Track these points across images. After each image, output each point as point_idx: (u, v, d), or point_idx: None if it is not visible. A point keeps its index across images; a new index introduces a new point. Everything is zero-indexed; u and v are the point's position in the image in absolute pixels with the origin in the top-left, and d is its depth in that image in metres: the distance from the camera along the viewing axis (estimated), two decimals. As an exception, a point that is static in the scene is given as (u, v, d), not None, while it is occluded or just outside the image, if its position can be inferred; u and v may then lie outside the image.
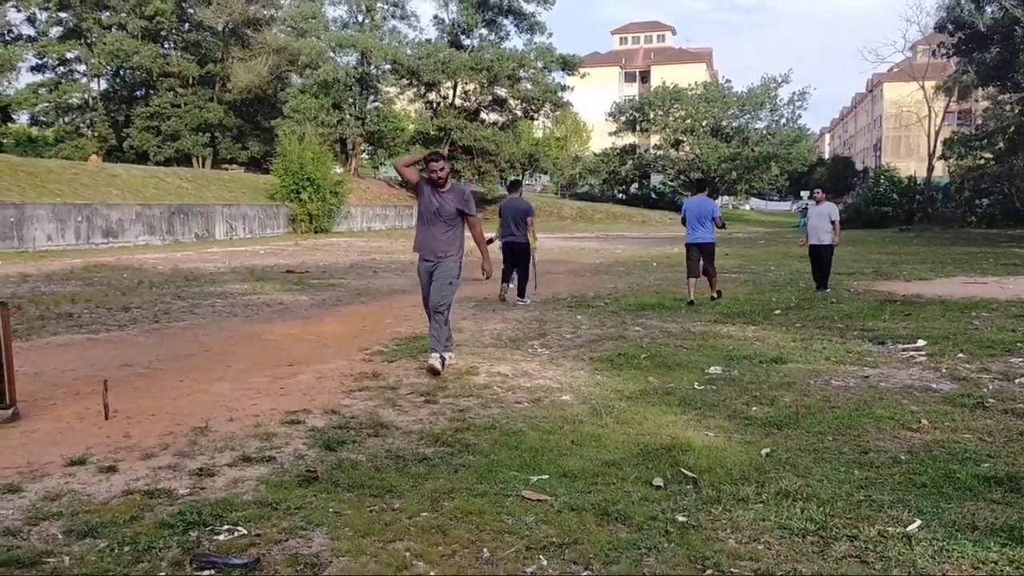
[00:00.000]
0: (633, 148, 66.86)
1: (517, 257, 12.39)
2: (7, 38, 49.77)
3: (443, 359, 7.05)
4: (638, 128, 66.03)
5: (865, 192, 55.68)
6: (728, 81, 67.23)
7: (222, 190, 34.99)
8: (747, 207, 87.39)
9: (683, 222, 12.38)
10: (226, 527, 3.61)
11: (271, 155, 46.53)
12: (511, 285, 12.42)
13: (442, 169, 7.08)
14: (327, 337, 9.14)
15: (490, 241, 13.43)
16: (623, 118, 65.05)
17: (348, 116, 48.31)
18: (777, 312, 10.82)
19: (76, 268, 17.42)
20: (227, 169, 48.79)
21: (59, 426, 5.34)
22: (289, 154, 35.51)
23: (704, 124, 61.38)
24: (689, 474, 4.30)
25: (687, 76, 68.53)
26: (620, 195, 68.06)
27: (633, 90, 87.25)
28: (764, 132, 61.96)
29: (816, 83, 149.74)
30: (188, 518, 3.66)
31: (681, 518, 3.73)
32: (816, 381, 6.67)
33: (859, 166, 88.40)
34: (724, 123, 62.49)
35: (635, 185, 68.59)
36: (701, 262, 12.13)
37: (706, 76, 77.99)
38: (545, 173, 68.18)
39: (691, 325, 9.77)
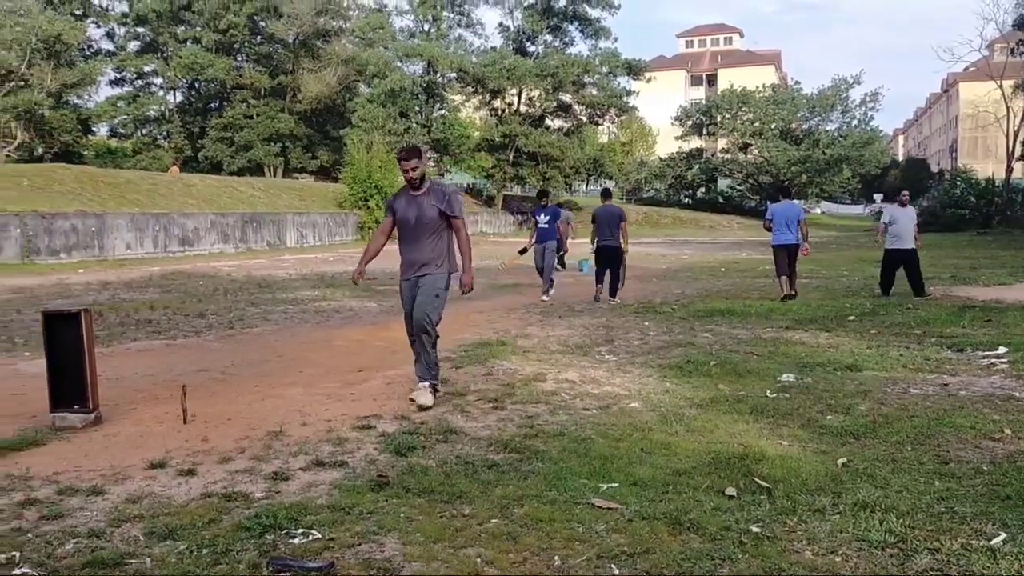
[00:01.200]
0: (700, 152, 66.16)
1: (611, 260, 13.10)
2: (87, 53, 51.64)
3: (434, 389, 6.12)
4: (705, 132, 65.34)
5: (941, 195, 54.06)
6: (797, 83, 66.17)
7: (293, 199, 35.73)
8: (818, 211, 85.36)
9: (767, 227, 13.45)
10: (301, 531, 3.67)
11: (340, 164, 47.34)
12: (603, 286, 13.26)
13: (414, 168, 6.00)
14: (395, 343, 9.20)
15: (523, 251, 14.26)
16: (689, 122, 64.45)
17: (414, 124, 48.88)
18: (851, 318, 10.56)
19: (154, 275, 17.97)
20: (297, 178, 49.86)
21: (139, 429, 5.51)
22: (357, 162, 36.10)
23: (773, 127, 60.38)
24: (763, 484, 4.22)
25: (755, 78, 67.59)
26: (686, 200, 67.41)
27: (699, 93, 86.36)
28: (835, 134, 60.66)
29: (889, 83, 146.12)
30: (264, 521, 3.73)
31: (755, 529, 3.66)
32: (893, 389, 6.49)
33: (934, 168, 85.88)
34: (794, 125, 61.39)
35: (702, 189, 67.87)
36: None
37: (775, 78, 76.81)
38: (610, 178, 67.84)
39: (762, 332, 9.61)
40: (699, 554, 3.41)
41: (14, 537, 3.58)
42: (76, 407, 5.62)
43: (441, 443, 5.09)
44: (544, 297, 13.37)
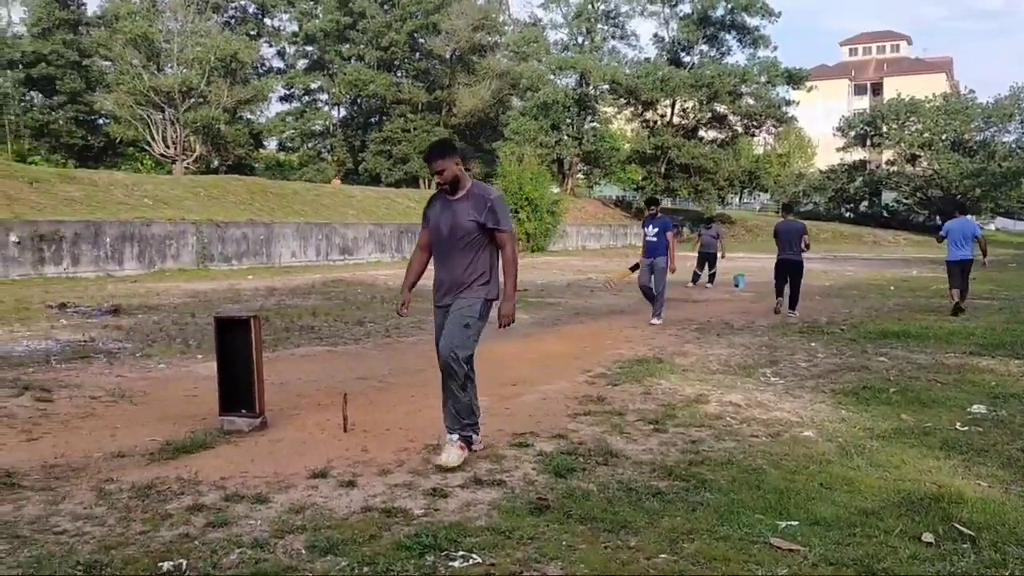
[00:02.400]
0: (863, 164, 63.01)
1: (792, 274, 13.16)
2: (260, 71, 54.71)
3: (465, 443, 4.99)
4: (869, 143, 62.17)
5: None
6: (971, 92, 62.01)
7: (446, 210, 36.44)
8: (992, 227, 79.77)
9: (939, 239, 13.87)
10: (461, 553, 3.54)
11: (491, 176, 48.02)
12: (784, 299, 13.25)
13: (440, 171, 4.92)
14: (548, 356, 9.10)
15: (634, 267, 12.65)
16: (852, 133, 61.48)
17: (566, 136, 49.01)
18: (1046, 345, 9.61)
19: (316, 283, 18.64)
20: (451, 190, 50.86)
21: (302, 436, 5.58)
22: (509, 175, 36.43)
23: (944, 138, 56.74)
24: (965, 531, 3.77)
25: (924, 87, 63.78)
26: (847, 214, 64.35)
27: (864, 103, 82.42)
28: (1013, 146, 56.36)
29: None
30: (424, 541, 3.63)
31: (962, 585, 3.25)
32: (1108, 428, 5.77)
33: None
34: (967, 136, 57.49)
35: (864, 203, 64.60)
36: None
37: (945, 87, 72.27)
38: (765, 191, 65.77)
39: (943, 357, 8.86)
40: (898, 611, 3.05)
41: (181, 543, 3.62)
42: (243, 411, 5.77)
43: (601, 466, 4.87)
44: (654, 320, 11.89)
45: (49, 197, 20.74)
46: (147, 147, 41.03)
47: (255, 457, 5.03)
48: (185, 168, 39.79)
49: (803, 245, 13.14)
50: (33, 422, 5.83)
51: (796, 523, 3.95)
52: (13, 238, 17.69)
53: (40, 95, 49.77)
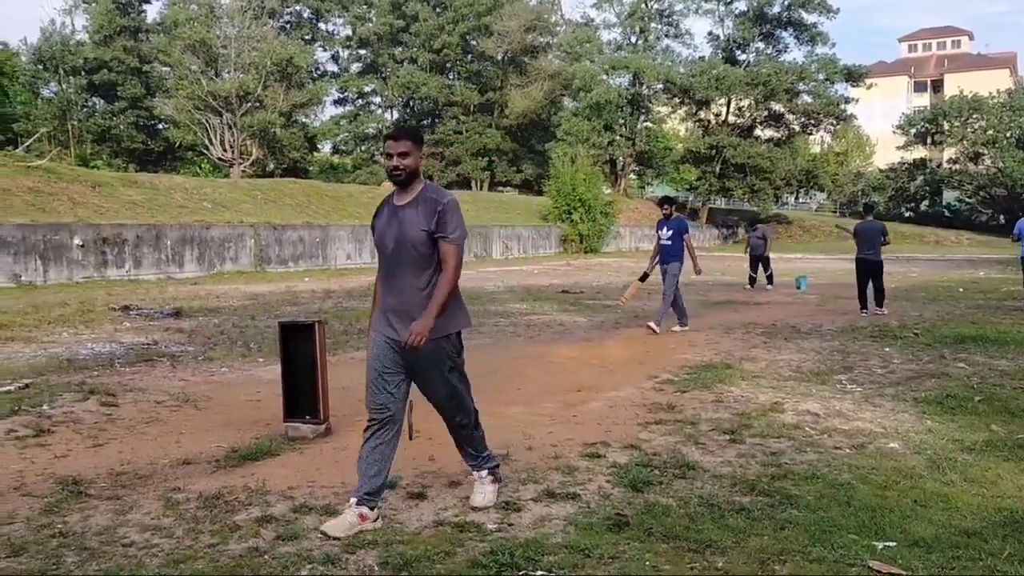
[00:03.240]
0: (924, 162, 61.43)
1: (872, 273, 13.37)
2: (315, 75, 55.31)
3: (493, 476, 4.35)
4: (930, 141, 60.54)
5: None
6: (1038, 87, 59.96)
7: (499, 212, 36.40)
8: (1061, 227, 77.20)
9: (1013, 239, 14.21)
10: (539, 573, 3.38)
11: (543, 177, 47.88)
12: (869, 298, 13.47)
13: (402, 154, 3.94)
14: (611, 361, 8.89)
15: (643, 277, 11.56)
16: (912, 130, 59.93)
17: (618, 137, 48.65)
18: None
19: (372, 285, 18.67)
20: (502, 191, 50.89)
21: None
22: (562, 176, 36.24)
23: (1008, 135, 54.94)
24: (1084, 558, 3.49)
25: (987, 84, 61.89)
26: (908, 213, 62.78)
27: (923, 100, 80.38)
28: (1084, 143, 54.38)
29: None
30: (500, 559, 3.47)
31: (1089, 619, 2.98)
32: None
33: None
34: (1033, 134, 55.61)
35: (925, 202, 62.94)
36: None
37: (1009, 83, 70.00)
38: (822, 190, 64.47)
39: (1028, 364, 8.45)
40: (1021, 647, 2.80)
41: (252, 558, 3.51)
42: (308, 418, 5.68)
43: (679, 479, 4.66)
44: (676, 328, 11.20)
45: (112, 201, 21.11)
46: (205, 151, 41.72)
47: (321, 465, 4.93)
48: (242, 172, 40.35)
49: (883, 243, 13.43)
50: (99, 427, 5.82)
51: (894, 544, 3.70)
52: (77, 241, 18.02)
53: (102, 101, 51.02)
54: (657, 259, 11.54)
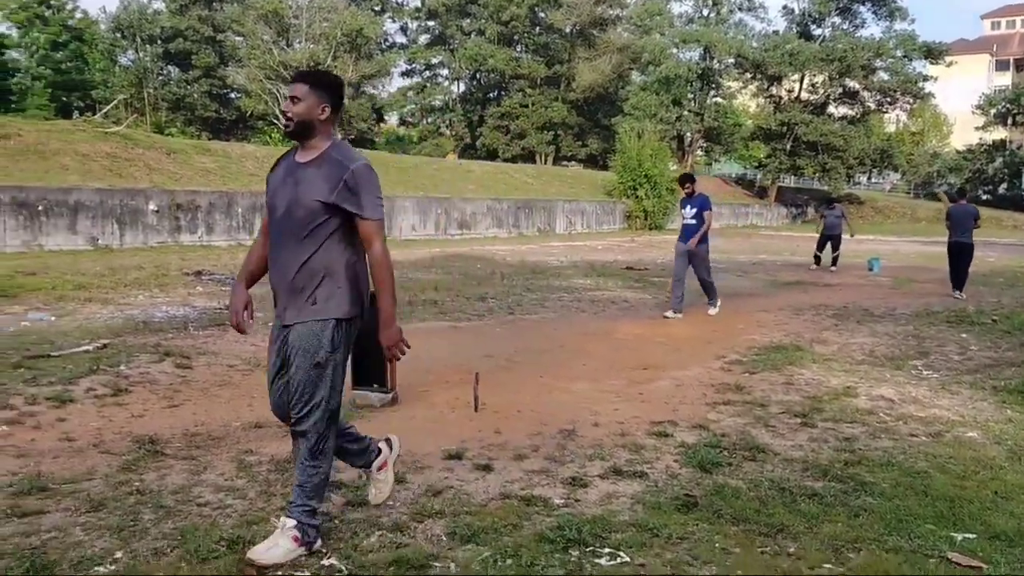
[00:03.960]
0: (1004, 144, 59.07)
1: (964, 256, 13.43)
2: (383, 46, 55.49)
3: (301, 535, 3.26)
4: (1011, 122, 58.15)
5: None
6: None
7: (563, 186, 36.20)
8: None
9: None
10: (607, 550, 3.35)
11: (609, 152, 47.37)
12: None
13: (298, 99, 3.31)
14: (678, 340, 8.78)
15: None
16: (993, 110, 57.56)
17: (687, 112, 47.83)
18: None
19: (436, 256, 18.76)
20: (567, 166, 50.57)
21: (433, 414, 5.49)
22: (628, 151, 35.78)
23: (1098, 116, 52.57)
24: None
25: (1078, 61, 59.14)
26: (985, 196, 60.55)
27: (1006, 79, 77.15)
28: None
29: None
30: (567, 534, 3.45)
31: None
32: None
33: None
34: (1124, 115, 53.07)
35: (1004, 185, 60.62)
36: None
37: (1103, 60, 66.87)
38: (896, 171, 62.55)
39: (1117, 355, 8.09)
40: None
41: (323, 522, 3.54)
42: (376, 386, 5.74)
43: (748, 461, 4.59)
44: (667, 314, 10.45)
45: (186, 168, 21.55)
46: (275, 121, 42.29)
47: (388, 434, 4.96)
48: (310, 142, 40.85)
49: (975, 227, 13.79)
50: (174, 389, 5.96)
51: (973, 536, 3.59)
52: (152, 207, 18.45)
53: (177, 69, 52.03)
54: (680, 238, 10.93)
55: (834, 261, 18.68)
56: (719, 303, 10.87)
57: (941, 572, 3.25)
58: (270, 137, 45.13)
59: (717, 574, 3.20)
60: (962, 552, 3.42)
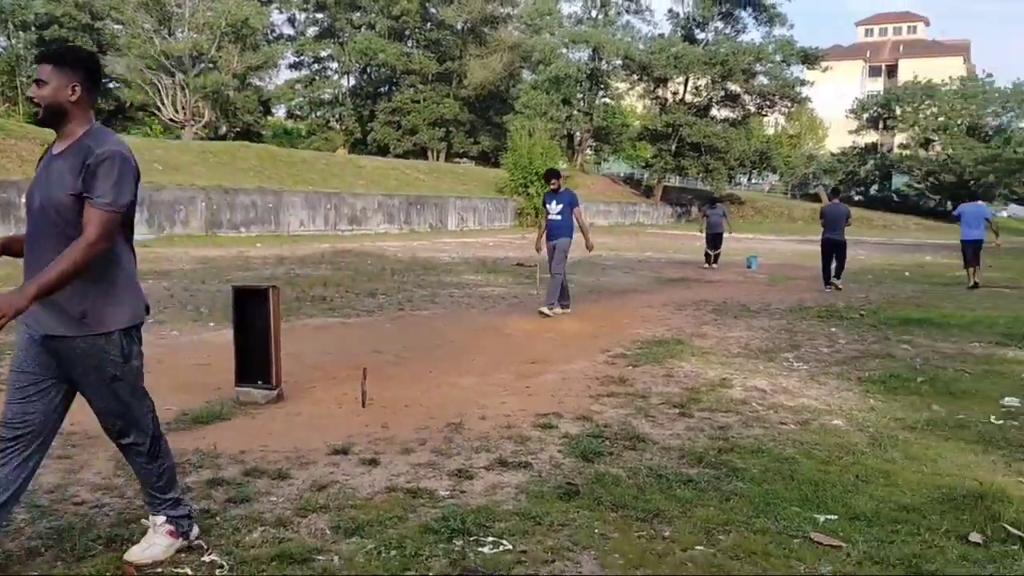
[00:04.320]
0: (875, 147, 62.45)
1: (836, 252, 14.76)
2: (270, 37, 54.15)
3: (175, 528, 3.22)
4: (882, 126, 61.56)
5: None
6: (989, 76, 61.11)
7: (455, 183, 36.24)
8: (1004, 214, 79.33)
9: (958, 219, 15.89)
10: (490, 539, 3.42)
11: (500, 149, 47.68)
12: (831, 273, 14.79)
13: (39, 83, 2.95)
14: (565, 335, 8.96)
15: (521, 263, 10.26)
16: (866, 115, 60.83)
17: (576, 112, 48.59)
18: (1073, 337, 9.42)
19: (325, 253, 18.51)
20: (459, 162, 50.61)
21: (320, 410, 5.45)
22: (519, 149, 36.15)
23: (959, 122, 56.18)
24: (1015, 532, 3.63)
25: (940, 70, 63.05)
26: (857, 197, 63.88)
27: (877, 85, 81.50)
28: (1030, 132, 55.81)
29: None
30: (452, 525, 3.50)
31: (1017, 589, 3.11)
32: None
33: None
34: (982, 122, 56.89)
35: (875, 187, 64.07)
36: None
37: (962, 70, 71.38)
38: (775, 172, 65.25)
39: (969, 346, 8.69)
40: (953, 614, 2.92)
41: (202, 519, 3.49)
42: (260, 383, 5.64)
43: (628, 450, 4.74)
44: (544, 310, 10.13)
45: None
46: (156, 112, 40.76)
47: (273, 431, 4.91)
48: (194, 134, 39.54)
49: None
50: (45, 388, 5.70)
51: (835, 517, 3.81)
52: (25, 199, 17.53)
53: (50, 57, 49.24)
54: (544, 235, 10.70)
55: (715, 259, 19.35)
56: (559, 309, 10.21)
57: (804, 551, 3.44)
58: (150, 129, 43.52)
59: (596, 560, 3.31)
60: (824, 532, 3.63)
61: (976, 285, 15.07)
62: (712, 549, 3.43)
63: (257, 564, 3.13)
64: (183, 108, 39.69)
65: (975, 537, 3.59)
